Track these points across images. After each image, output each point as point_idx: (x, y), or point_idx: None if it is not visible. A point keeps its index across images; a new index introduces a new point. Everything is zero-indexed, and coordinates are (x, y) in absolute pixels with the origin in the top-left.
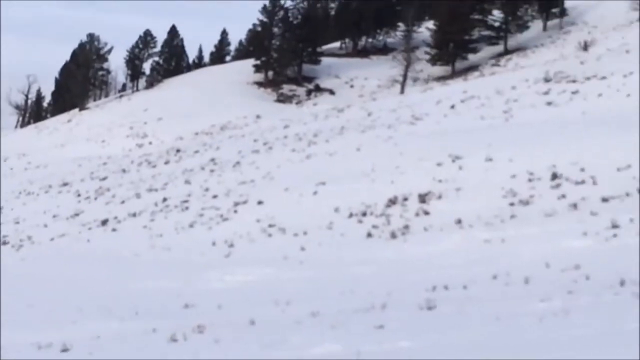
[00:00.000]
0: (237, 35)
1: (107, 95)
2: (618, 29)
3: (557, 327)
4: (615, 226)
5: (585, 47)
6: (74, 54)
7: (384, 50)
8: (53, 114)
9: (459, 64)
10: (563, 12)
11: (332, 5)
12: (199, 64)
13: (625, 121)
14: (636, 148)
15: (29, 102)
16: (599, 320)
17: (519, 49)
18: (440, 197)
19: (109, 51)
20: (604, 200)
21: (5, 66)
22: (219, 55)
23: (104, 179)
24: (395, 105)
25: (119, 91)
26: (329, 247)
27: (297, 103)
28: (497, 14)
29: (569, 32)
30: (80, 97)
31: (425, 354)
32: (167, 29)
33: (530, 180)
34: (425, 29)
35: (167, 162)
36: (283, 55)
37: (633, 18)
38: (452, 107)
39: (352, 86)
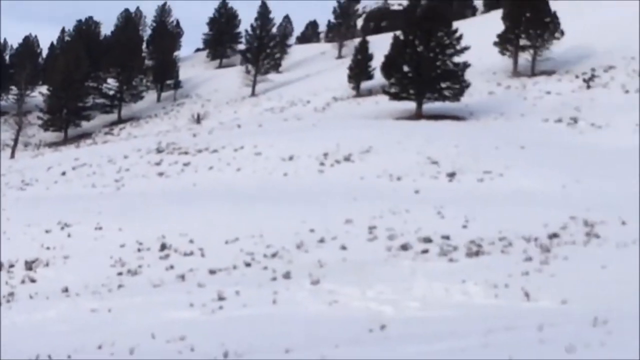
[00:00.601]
0: None
1: None
2: (231, 103)
3: None
4: (221, 298)
5: (198, 119)
6: None
7: None
8: None
9: (72, 131)
10: (177, 84)
11: None
12: None
13: (234, 194)
14: (243, 222)
15: None
16: None
17: (133, 118)
18: (47, 264)
19: None
20: (212, 272)
21: None
22: None
23: None
24: (4, 169)
25: None
26: None
27: None
28: (112, 82)
29: (183, 104)
30: None
31: None
32: None
33: (139, 250)
34: (39, 94)
35: None
36: None
37: (245, 93)
38: (64, 173)
39: None
